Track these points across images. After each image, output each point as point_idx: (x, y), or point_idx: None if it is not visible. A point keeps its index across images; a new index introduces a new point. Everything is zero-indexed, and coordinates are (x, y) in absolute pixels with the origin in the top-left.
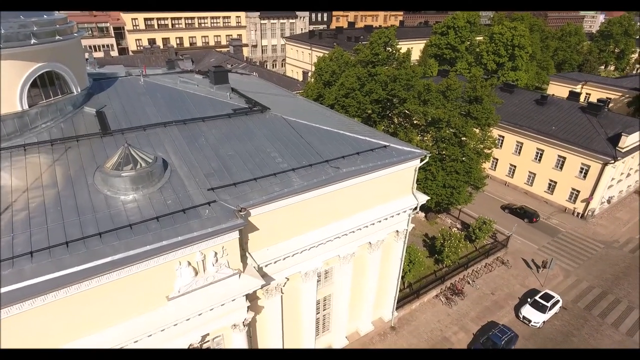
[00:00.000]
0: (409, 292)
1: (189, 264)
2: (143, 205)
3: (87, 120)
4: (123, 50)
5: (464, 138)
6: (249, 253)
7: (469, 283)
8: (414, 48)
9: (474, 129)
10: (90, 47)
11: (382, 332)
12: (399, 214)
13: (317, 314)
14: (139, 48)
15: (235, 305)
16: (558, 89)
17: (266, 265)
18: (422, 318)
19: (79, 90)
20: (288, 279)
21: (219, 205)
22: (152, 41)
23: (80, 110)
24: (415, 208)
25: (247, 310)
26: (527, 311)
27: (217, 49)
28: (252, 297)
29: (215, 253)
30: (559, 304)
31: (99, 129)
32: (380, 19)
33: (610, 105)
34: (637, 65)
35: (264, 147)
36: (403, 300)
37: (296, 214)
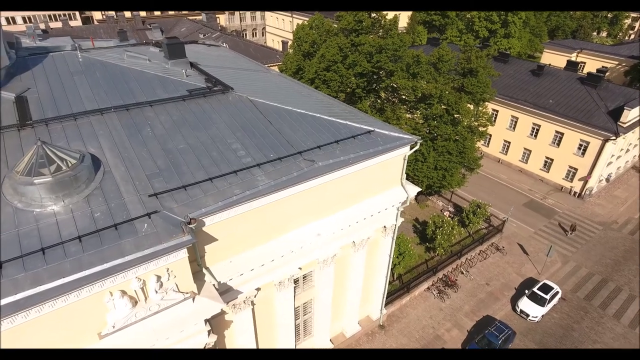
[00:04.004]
0: (399, 286)
1: (124, 293)
2: (63, 221)
3: (4, 108)
4: (87, 20)
5: (457, 115)
6: (207, 269)
7: (462, 273)
8: (402, 14)
9: (468, 105)
10: (49, 16)
11: (370, 331)
12: (386, 208)
13: (297, 319)
14: (104, 17)
15: (193, 330)
16: (552, 58)
17: (230, 279)
18: (412, 314)
19: None
20: (260, 289)
21: (162, 217)
22: None
23: None
24: (405, 201)
25: (209, 334)
26: (525, 304)
27: (190, 17)
28: (216, 315)
29: (159, 277)
30: (558, 295)
31: (16, 119)
32: None
33: (607, 74)
34: (630, 32)
35: (223, 138)
36: (392, 294)
37: (263, 218)
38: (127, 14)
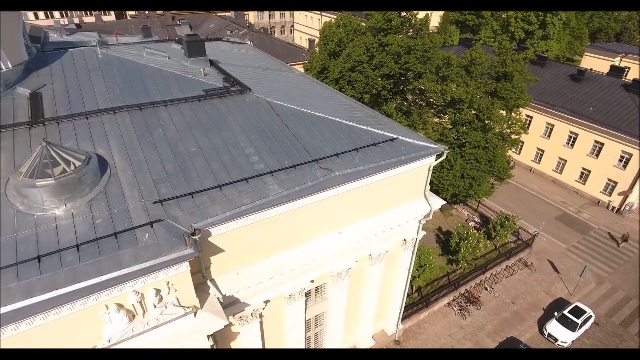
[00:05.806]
0: (418, 299)
1: (121, 307)
2: (63, 227)
3: (18, 105)
4: (121, 15)
5: (488, 122)
6: (212, 281)
7: (486, 289)
8: (434, 13)
9: (501, 111)
10: (84, 11)
11: (385, 347)
12: (407, 222)
13: (308, 332)
14: (136, 12)
15: (195, 346)
16: (594, 62)
17: (237, 292)
18: (431, 330)
19: (10, 65)
20: (269, 302)
21: (166, 226)
22: None
23: (12, 92)
24: (428, 214)
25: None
26: (554, 328)
27: (219, 14)
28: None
29: (158, 291)
30: (592, 320)
31: (29, 116)
32: None
33: None
34: None
35: (237, 142)
36: (410, 308)
37: (275, 229)
38: None
